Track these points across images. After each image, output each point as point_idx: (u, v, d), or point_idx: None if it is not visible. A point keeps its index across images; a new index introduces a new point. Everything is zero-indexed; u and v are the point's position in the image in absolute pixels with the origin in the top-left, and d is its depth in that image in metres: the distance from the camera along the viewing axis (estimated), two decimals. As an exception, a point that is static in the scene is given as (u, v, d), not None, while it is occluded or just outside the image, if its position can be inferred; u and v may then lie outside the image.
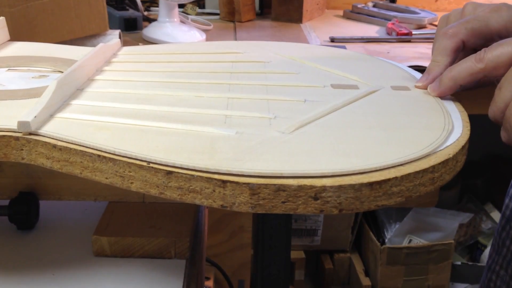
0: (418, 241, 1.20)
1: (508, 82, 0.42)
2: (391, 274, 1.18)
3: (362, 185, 0.35)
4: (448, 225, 1.21)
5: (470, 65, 0.45)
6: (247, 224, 1.20)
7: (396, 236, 1.21)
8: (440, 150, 0.39)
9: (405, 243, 1.21)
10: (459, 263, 1.24)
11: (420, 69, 0.58)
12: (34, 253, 0.50)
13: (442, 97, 0.49)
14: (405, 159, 0.37)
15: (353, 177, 0.35)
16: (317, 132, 0.41)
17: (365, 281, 1.20)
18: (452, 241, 1.20)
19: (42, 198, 0.53)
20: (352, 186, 0.35)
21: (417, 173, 0.37)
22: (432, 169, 0.37)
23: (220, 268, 1.09)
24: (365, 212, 1.27)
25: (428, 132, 0.42)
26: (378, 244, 1.19)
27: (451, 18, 0.53)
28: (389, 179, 0.36)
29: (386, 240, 1.21)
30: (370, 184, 0.35)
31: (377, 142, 0.40)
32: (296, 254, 1.25)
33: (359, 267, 1.25)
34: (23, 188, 0.52)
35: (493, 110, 0.43)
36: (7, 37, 0.65)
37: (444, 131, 0.42)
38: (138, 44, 1.11)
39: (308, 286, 1.33)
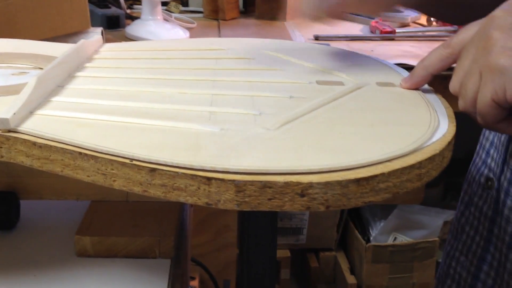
0: (403, 238, 1.20)
1: (467, 51, 0.43)
2: (376, 272, 1.19)
3: (349, 181, 0.34)
4: (433, 223, 1.22)
5: (439, 52, 0.47)
6: (232, 223, 1.19)
7: (381, 234, 1.21)
8: (427, 146, 0.39)
9: (390, 241, 1.21)
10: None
11: (405, 67, 0.58)
12: (15, 254, 0.49)
13: (421, 89, 0.50)
14: (391, 155, 0.37)
15: (340, 173, 0.35)
16: (303, 129, 0.41)
17: (351, 279, 1.20)
18: (437, 239, 1.20)
19: (22, 197, 0.52)
20: (339, 183, 0.34)
21: (404, 169, 0.36)
22: (419, 165, 0.37)
23: (205, 268, 1.08)
24: (350, 210, 1.27)
25: (414, 128, 0.41)
26: (363, 242, 1.19)
27: None
28: (376, 175, 0.35)
29: (371, 238, 1.22)
30: (357, 180, 0.35)
31: (364, 138, 0.39)
32: (282, 253, 1.25)
33: (344, 266, 1.25)
34: (3, 187, 0.51)
35: (453, 82, 0.44)
36: (-14, 33, 0.63)
37: (430, 127, 0.42)
38: (120, 42, 1.10)
39: (294, 285, 1.33)
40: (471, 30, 0.44)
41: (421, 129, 0.41)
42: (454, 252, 0.62)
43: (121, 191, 0.53)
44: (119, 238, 0.48)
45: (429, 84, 0.52)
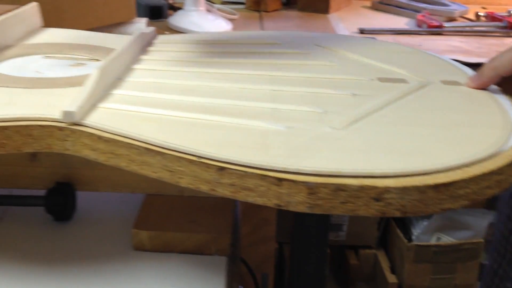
0: (446, 239, 1.17)
1: None
2: (418, 272, 1.16)
3: (427, 187, 0.33)
4: (478, 224, 1.18)
5: (511, 54, 0.46)
6: (271, 217, 1.18)
7: (424, 233, 1.18)
8: (504, 150, 0.37)
9: (433, 241, 1.18)
10: (487, 262, 1.21)
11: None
12: (71, 245, 0.49)
13: (494, 92, 0.48)
14: (470, 159, 0.35)
15: (417, 178, 0.33)
16: (371, 129, 0.39)
17: (391, 278, 1.18)
18: (482, 240, 1.17)
19: (79, 188, 0.52)
20: (416, 188, 0.33)
21: (484, 175, 0.34)
22: (499, 170, 0.35)
23: (244, 261, 1.07)
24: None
25: (488, 130, 0.40)
26: (406, 241, 1.17)
27: None
28: (455, 181, 0.33)
29: (413, 237, 1.19)
30: (436, 186, 0.33)
31: (438, 140, 0.38)
32: (320, 249, 1.23)
33: (385, 264, 1.22)
34: (60, 178, 0.51)
35: None
36: (41, 23, 0.63)
37: (505, 129, 0.40)
38: (164, 33, 1.09)
39: (333, 282, 1.31)
40: None
41: (496, 132, 0.39)
42: (502, 272, 0.60)
43: (175, 185, 0.52)
44: (176, 233, 0.48)
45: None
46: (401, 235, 1.19)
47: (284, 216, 1.17)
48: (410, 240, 1.18)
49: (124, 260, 0.47)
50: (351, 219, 1.23)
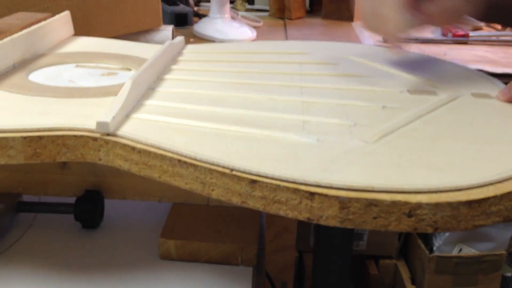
0: (468, 250, 1.16)
1: None
2: (439, 283, 1.15)
3: (460, 203, 0.33)
4: (500, 235, 1.17)
5: None
6: (291, 225, 1.18)
7: (445, 244, 1.17)
8: (538, 166, 0.37)
9: (455, 252, 1.17)
10: (509, 274, 1.20)
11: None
12: (99, 253, 0.49)
13: None
14: (503, 175, 0.35)
15: (450, 194, 0.33)
16: (403, 143, 0.39)
17: (412, 289, 1.17)
18: (504, 252, 1.15)
19: (107, 196, 0.52)
20: (449, 204, 0.33)
21: (517, 191, 0.34)
22: (533, 187, 0.35)
23: (265, 271, 1.07)
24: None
25: (521, 146, 0.39)
26: (427, 252, 1.16)
27: None
28: (488, 198, 0.33)
29: (435, 248, 1.18)
30: (469, 203, 0.33)
31: (470, 155, 0.38)
32: (340, 258, 1.22)
33: (405, 275, 1.21)
34: (89, 186, 0.52)
35: None
36: (72, 31, 0.64)
37: (539, 145, 0.39)
38: (189, 40, 1.10)
39: (353, 291, 1.30)
40: None
41: (529, 148, 0.39)
42: None
43: (202, 195, 0.53)
44: (202, 243, 0.48)
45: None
46: (422, 245, 1.18)
47: (304, 224, 1.17)
48: (431, 251, 1.17)
49: (150, 268, 0.48)
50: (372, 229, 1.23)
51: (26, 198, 0.54)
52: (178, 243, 0.48)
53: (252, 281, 0.47)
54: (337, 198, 0.33)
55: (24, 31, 0.54)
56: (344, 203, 0.33)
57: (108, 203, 0.53)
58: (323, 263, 0.63)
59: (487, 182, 0.34)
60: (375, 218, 0.33)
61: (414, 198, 0.33)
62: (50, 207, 0.53)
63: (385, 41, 0.53)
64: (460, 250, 1.16)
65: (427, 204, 0.33)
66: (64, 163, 0.52)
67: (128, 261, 0.48)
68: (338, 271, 0.63)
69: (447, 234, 1.17)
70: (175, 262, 0.48)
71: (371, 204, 0.33)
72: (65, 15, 0.63)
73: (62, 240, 0.51)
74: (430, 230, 0.33)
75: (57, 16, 0.60)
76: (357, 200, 0.33)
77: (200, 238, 0.48)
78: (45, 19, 0.59)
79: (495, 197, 0.33)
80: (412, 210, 0.33)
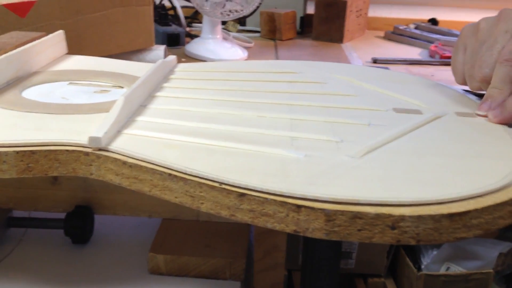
0: (456, 269, 1.17)
1: None
2: (428, 302, 1.15)
3: (442, 216, 0.34)
4: (488, 254, 1.18)
5: None
6: (281, 243, 1.18)
7: (433, 263, 1.18)
8: (518, 181, 0.38)
9: (442, 271, 1.17)
10: (498, 293, 1.20)
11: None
12: (88, 268, 0.50)
13: (508, 124, 0.48)
14: (484, 190, 0.36)
15: (432, 207, 0.34)
16: (388, 158, 0.40)
17: (400, 307, 1.17)
18: (491, 271, 1.16)
19: (97, 212, 0.53)
20: (431, 217, 0.34)
21: (497, 205, 0.35)
22: (512, 201, 0.36)
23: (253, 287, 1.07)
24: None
25: (502, 162, 0.40)
26: (415, 270, 1.16)
27: (483, 27, 0.52)
28: (469, 211, 0.34)
29: (423, 267, 1.18)
30: (450, 215, 0.34)
31: (452, 171, 0.39)
32: (329, 276, 1.22)
33: (394, 293, 1.22)
34: (79, 202, 0.53)
35: None
36: (66, 50, 0.65)
37: (519, 161, 0.41)
38: (181, 60, 1.12)
39: (343, 310, 1.30)
40: None
41: (509, 163, 0.40)
42: None
43: (192, 210, 0.53)
44: (191, 257, 0.49)
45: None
46: (410, 264, 1.18)
47: (293, 243, 1.17)
48: (419, 269, 1.17)
49: (140, 283, 0.48)
50: (361, 247, 1.23)
51: (16, 213, 0.54)
52: (168, 257, 0.49)
53: (240, 295, 0.47)
54: (323, 210, 0.34)
55: (18, 49, 0.55)
56: (329, 216, 0.34)
57: (98, 219, 0.54)
58: (311, 282, 0.63)
59: (468, 196, 0.35)
60: (359, 230, 0.34)
61: (397, 211, 0.34)
62: (40, 222, 0.53)
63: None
64: (448, 268, 1.17)
65: (410, 217, 0.34)
66: (55, 179, 0.53)
67: (118, 276, 0.49)
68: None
69: (435, 252, 1.18)
70: (164, 277, 0.49)
71: (356, 216, 0.34)
72: (59, 34, 0.64)
73: (52, 255, 0.52)
74: (412, 242, 0.34)
75: (51, 35, 0.62)
76: (342, 212, 0.34)
77: (189, 252, 0.49)
78: (39, 37, 0.60)
79: (475, 210, 0.35)
80: (395, 222, 0.34)
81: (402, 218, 0.34)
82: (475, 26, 0.53)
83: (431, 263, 1.19)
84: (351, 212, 0.34)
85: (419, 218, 0.34)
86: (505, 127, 0.48)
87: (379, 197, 0.34)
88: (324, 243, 0.63)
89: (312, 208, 0.34)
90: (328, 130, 0.46)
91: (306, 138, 0.44)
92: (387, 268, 1.30)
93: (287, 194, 0.35)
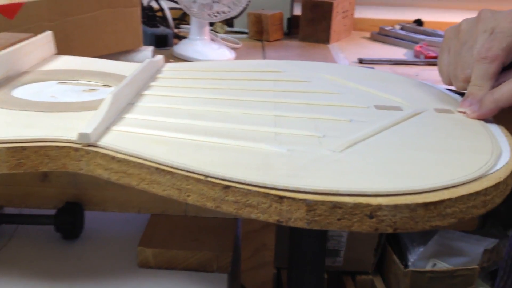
0: (442, 265, 1.19)
1: None
2: (415, 298, 1.17)
3: (417, 205, 0.35)
4: (473, 250, 1.20)
5: (511, 86, 0.47)
6: (270, 242, 1.20)
7: (419, 259, 1.20)
8: (491, 173, 0.40)
9: (428, 267, 1.20)
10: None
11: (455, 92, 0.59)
12: (79, 263, 0.51)
13: (485, 120, 0.50)
14: (458, 181, 0.38)
15: (408, 197, 0.36)
16: (367, 152, 0.42)
17: (388, 304, 1.19)
18: (477, 267, 1.18)
19: (87, 208, 0.54)
20: (407, 206, 0.35)
21: (470, 195, 0.37)
22: (485, 191, 0.38)
23: (242, 286, 1.09)
24: (388, 234, 1.26)
25: (477, 155, 0.42)
26: (402, 267, 1.18)
27: (463, 28, 0.54)
28: (443, 200, 0.36)
29: (409, 264, 1.21)
30: (425, 205, 0.35)
31: (428, 163, 0.40)
32: (318, 274, 1.23)
33: (381, 290, 1.24)
34: (70, 198, 0.54)
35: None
36: (54, 50, 0.66)
37: (493, 155, 0.42)
38: (169, 61, 1.13)
39: (331, 307, 1.32)
40: None
41: (484, 157, 0.42)
42: None
43: (180, 206, 0.55)
44: (179, 251, 0.50)
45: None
46: (397, 261, 1.20)
47: (282, 241, 1.19)
48: (406, 266, 1.19)
49: (129, 276, 0.49)
50: (349, 245, 1.25)
51: (7, 210, 0.55)
52: (156, 251, 0.50)
53: (227, 286, 0.48)
54: (304, 201, 0.35)
55: (7, 49, 0.56)
56: (310, 206, 0.35)
57: (88, 215, 0.55)
58: (297, 277, 0.65)
59: (442, 186, 0.37)
60: (339, 219, 0.36)
61: (374, 201, 0.35)
62: (31, 218, 0.54)
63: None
64: (434, 265, 1.19)
65: (387, 206, 0.35)
66: (45, 176, 0.54)
67: (107, 270, 0.50)
68: (312, 286, 0.65)
69: (421, 249, 1.20)
70: (153, 270, 0.50)
71: (335, 206, 0.35)
72: (47, 35, 0.65)
73: (43, 250, 0.53)
74: (390, 230, 0.36)
75: (39, 36, 0.63)
76: (323, 202, 0.35)
77: (177, 246, 0.50)
78: (27, 38, 0.61)
79: (449, 199, 0.36)
80: (373, 211, 0.35)
81: (379, 207, 0.35)
82: (457, 27, 0.55)
83: (417, 260, 1.21)
84: (331, 202, 0.35)
85: (396, 207, 0.35)
86: (482, 122, 0.50)
87: (358, 188, 0.36)
88: (309, 238, 0.65)
89: (294, 199, 0.36)
90: (311, 126, 0.47)
91: (290, 133, 0.45)
92: (374, 266, 1.32)
93: (270, 186, 0.36)
